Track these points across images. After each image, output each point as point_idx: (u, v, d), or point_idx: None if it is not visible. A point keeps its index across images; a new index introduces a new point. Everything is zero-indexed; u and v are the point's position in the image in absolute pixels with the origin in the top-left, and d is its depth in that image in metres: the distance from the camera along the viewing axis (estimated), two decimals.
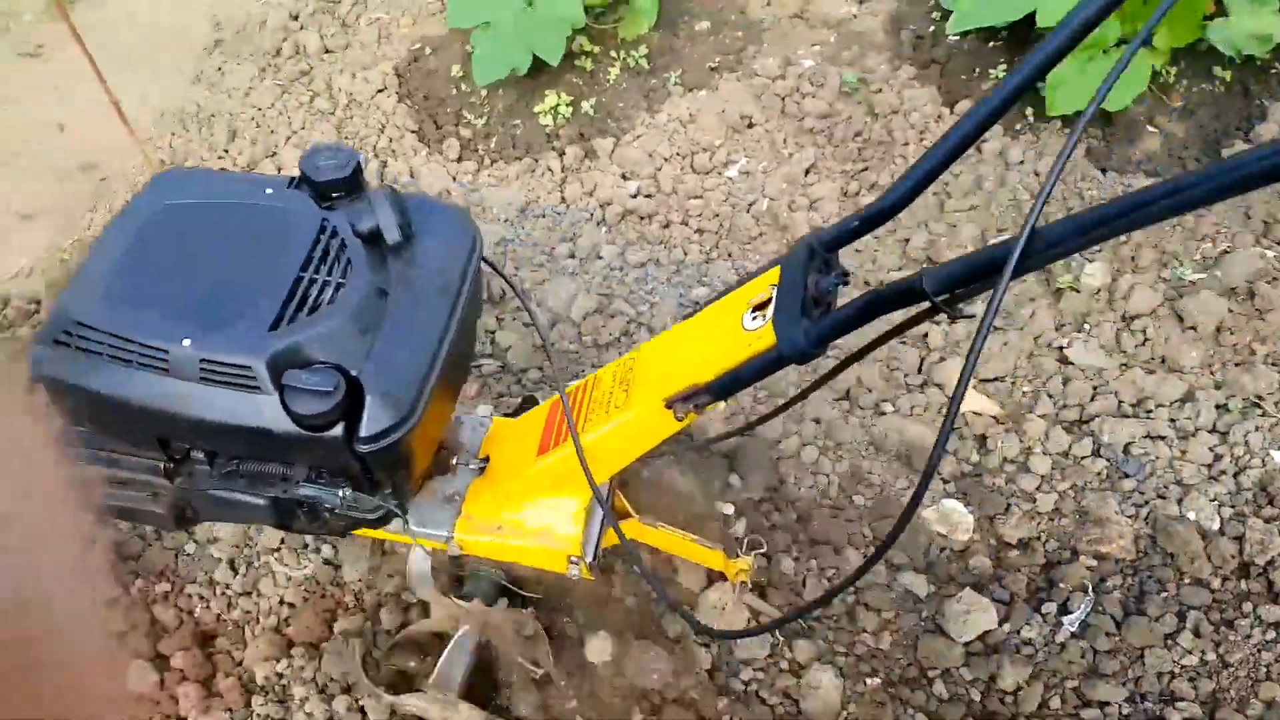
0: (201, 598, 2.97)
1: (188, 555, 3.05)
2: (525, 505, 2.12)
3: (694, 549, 2.40)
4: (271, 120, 4.07)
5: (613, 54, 3.95)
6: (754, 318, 1.64)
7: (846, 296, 1.50)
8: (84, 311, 1.63)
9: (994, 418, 2.89)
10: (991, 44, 3.71)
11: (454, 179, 3.78)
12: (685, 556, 2.47)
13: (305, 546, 2.97)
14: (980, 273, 1.32)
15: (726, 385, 1.70)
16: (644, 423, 1.85)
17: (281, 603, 2.91)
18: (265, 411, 1.60)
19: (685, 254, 3.38)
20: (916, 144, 3.46)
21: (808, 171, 3.50)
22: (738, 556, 2.46)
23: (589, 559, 2.12)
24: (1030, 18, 3.31)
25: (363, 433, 1.63)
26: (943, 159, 1.46)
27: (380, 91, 4.08)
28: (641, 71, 3.92)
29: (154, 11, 4.90)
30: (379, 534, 2.26)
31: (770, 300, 1.61)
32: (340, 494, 1.82)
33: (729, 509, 2.77)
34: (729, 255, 3.37)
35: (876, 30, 3.92)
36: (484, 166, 3.82)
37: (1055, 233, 1.23)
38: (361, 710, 2.59)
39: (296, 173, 1.85)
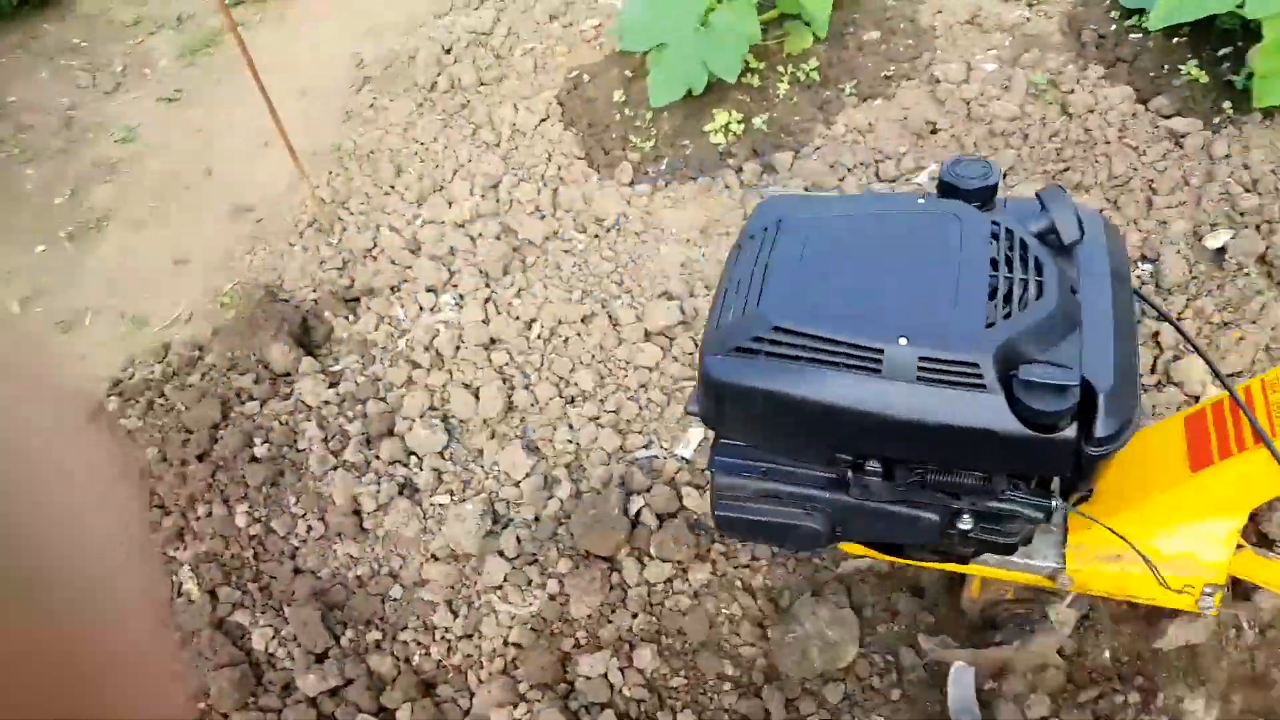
0: (419, 643, 2.86)
1: (394, 600, 2.95)
2: (1161, 530, 1.88)
3: None
4: (436, 154, 4.02)
5: (780, 69, 3.85)
6: None
7: None
8: (784, 316, 1.56)
9: None
10: (1175, 39, 3.56)
11: (628, 203, 3.69)
12: None
13: (530, 583, 2.86)
14: None
15: None
16: None
17: (506, 643, 2.79)
18: (989, 411, 1.50)
19: None
20: (1117, 142, 3.31)
21: (1005, 174, 3.37)
22: None
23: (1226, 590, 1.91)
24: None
25: (1099, 432, 1.50)
26: None
27: (544, 121, 4.01)
28: (812, 84, 3.81)
29: (293, 52, 4.89)
30: (980, 570, 2.05)
31: None
32: (1050, 504, 1.67)
33: None
34: None
35: (1053, 32, 3.79)
36: (658, 189, 3.73)
37: None
38: None
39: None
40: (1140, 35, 3.63)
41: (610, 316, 3.34)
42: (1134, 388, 1.56)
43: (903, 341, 1.50)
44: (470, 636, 2.83)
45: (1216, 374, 1.83)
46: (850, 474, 1.71)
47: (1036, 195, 1.69)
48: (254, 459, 3.29)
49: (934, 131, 3.56)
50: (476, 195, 3.82)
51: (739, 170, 3.65)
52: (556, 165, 3.87)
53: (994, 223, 1.64)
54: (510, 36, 4.43)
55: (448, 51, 4.44)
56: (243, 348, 3.58)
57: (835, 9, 3.84)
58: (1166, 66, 3.51)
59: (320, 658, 2.87)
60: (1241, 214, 3.04)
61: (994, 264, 1.58)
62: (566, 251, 3.59)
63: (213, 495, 3.22)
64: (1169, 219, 3.12)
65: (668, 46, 3.72)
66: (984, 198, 1.72)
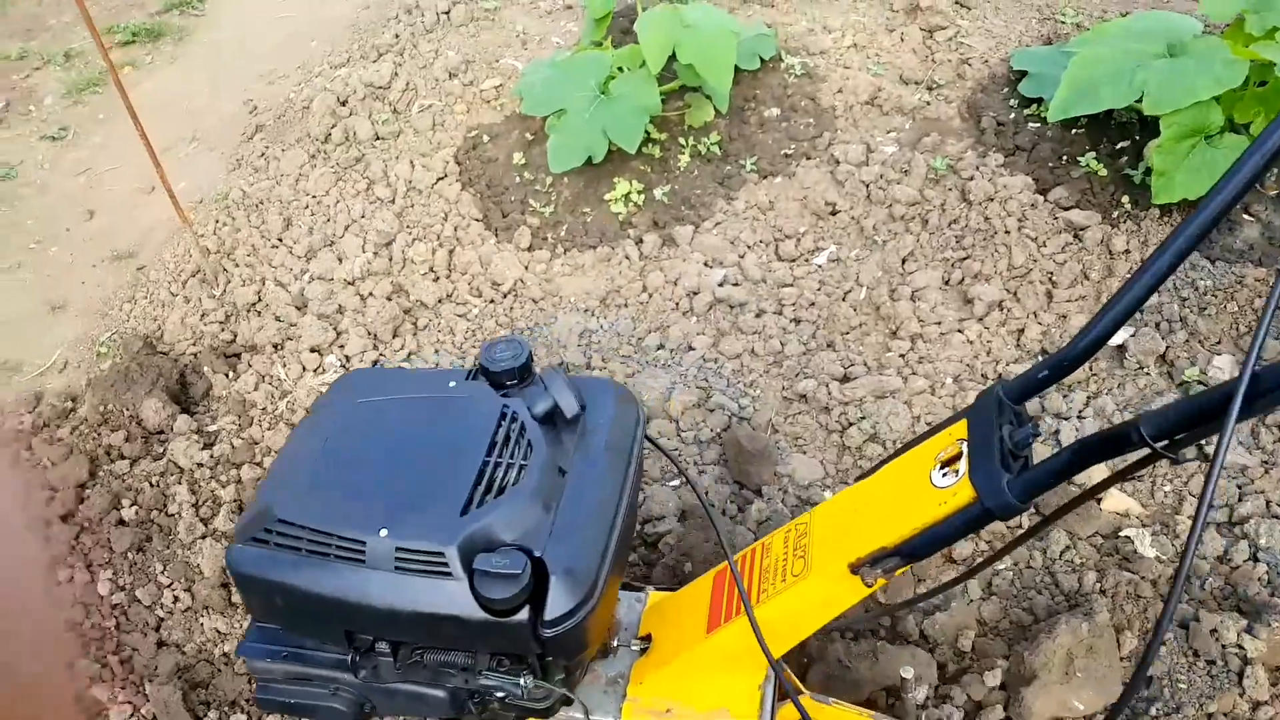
0: None
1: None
2: (695, 686, 1.96)
3: None
4: (328, 208, 3.83)
5: (681, 141, 3.79)
6: (944, 474, 1.55)
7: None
8: (285, 509, 1.64)
9: (1139, 519, 2.68)
10: (1074, 130, 3.59)
11: (526, 268, 3.56)
12: None
13: None
14: (1201, 418, 1.24)
15: (919, 546, 1.58)
16: (827, 590, 1.72)
17: None
18: (455, 597, 1.57)
19: (783, 345, 3.17)
20: (1016, 232, 3.30)
21: (904, 260, 3.32)
22: None
23: None
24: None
25: (548, 614, 1.58)
26: (1135, 300, 1.42)
27: (441, 179, 3.88)
28: (713, 158, 3.75)
29: (185, 94, 4.67)
30: None
31: (959, 455, 1.54)
32: (520, 682, 1.74)
33: (908, 672, 2.47)
34: (829, 345, 3.16)
35: (953, 117, 3.80)
36: (556, 255, 3.61)
37: (1275, 375, 1.15)
38: None
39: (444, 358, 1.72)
40: (1039, 124, 3.67)
41: None
42: (592, 569, 1.63)
43: (383, 533, 1.57)
44: None
45: (719, 536, 1.93)
46: (360, 657, 1.77)
47: (539, 376, 1.80)
48: (121, 522, 3.06)
49: (834, 213, 3.52)
50: (368, 252, 3.65)
51: (639, 241, 3.56)
52: (453, 226, 3.72)
53: (505, 406, 1.74)
54: (408, 91, 4.29)
55: (343, 103, 4.27)
56: (116, 402, 3.33)
57: (736, 84, 3.80)
58: (1065, 157, 3.54)
59: None
60: (1141, 312, 3.02)
61: (491, 447, 1.67)
62: (460, 315, 3.44)
63: (75, 559, 2.97)
64: (1068, 313, 3.13)
65: (567, 113, 3.63)
66: (517, 377, 1.80)
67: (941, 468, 1.56)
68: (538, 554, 1.57)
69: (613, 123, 3.55)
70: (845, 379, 3.06)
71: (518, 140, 3.95)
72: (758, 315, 3.25)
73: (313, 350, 3.37)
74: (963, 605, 2.59)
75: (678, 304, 3.34)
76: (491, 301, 3.49)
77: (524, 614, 1.57)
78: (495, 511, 1.59)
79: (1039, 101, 3.72)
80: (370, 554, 1.58)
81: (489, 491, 1.62)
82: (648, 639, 2.06)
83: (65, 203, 4.32)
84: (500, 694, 1.77)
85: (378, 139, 4.11)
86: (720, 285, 3.34)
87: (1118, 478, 1.43)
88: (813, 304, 3.26)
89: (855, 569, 1.63)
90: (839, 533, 1.72)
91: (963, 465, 1.51)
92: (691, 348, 3.20)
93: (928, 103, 3.85)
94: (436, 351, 3.33)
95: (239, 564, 1.67)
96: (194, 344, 3.53)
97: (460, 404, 1.78)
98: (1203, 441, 1.46)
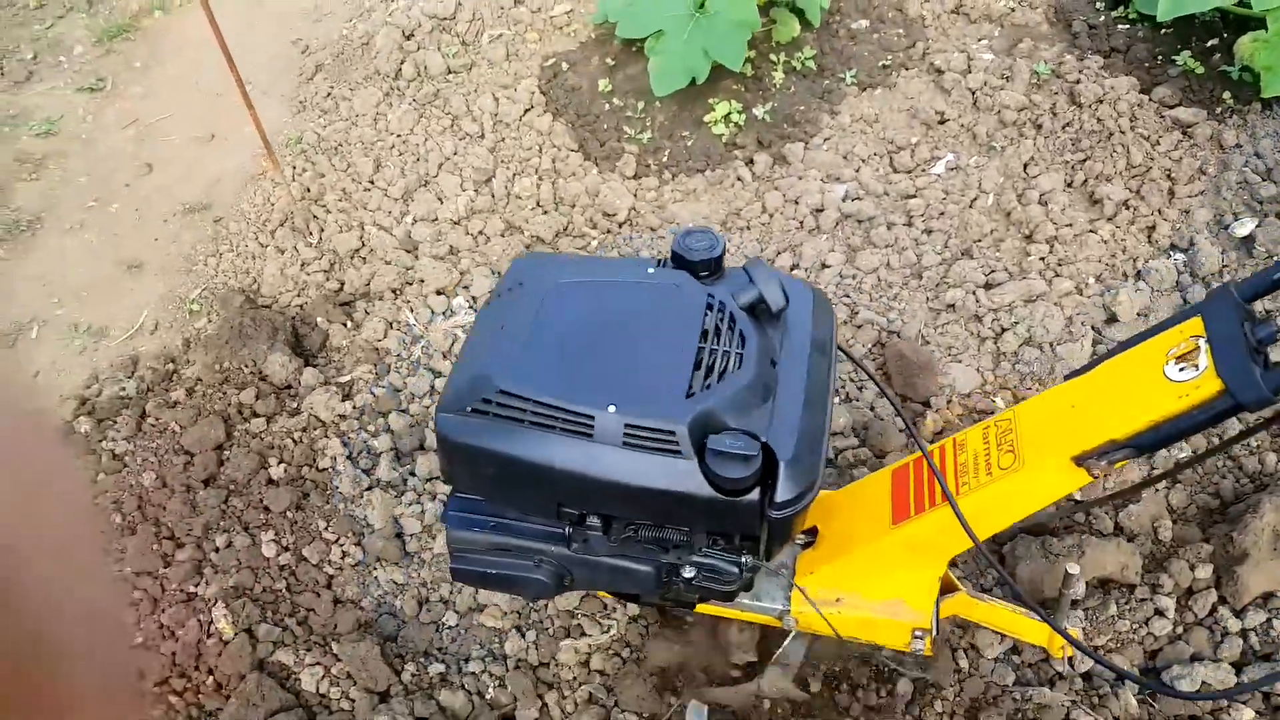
0: (491, 674, 2.55)
1: (451, 628, 2.63)
2: (871, 577, 1.98)
3: (1022, 623, 2.12)
4: (416, 147, 3.63)
5: (772, 58, 3.63)
6: (1181, 368, 1.54)
7: None
8: (505, 378, 1.61)
9: None
10: (1163, 31, 3.52)
11: (635, 196, 3.42)
12: (1012, 633, 2.19)
13: (606, 608, 2.58)
14: None
15: (1157, 439, 1.59)
16: (1043, 481, 1.72)
17: (590, 670, 2.52)
18: (686, 476, 1.55)
19: (918, 256, 3.09)
20: (1130, 131, 3.24)
21: (1025, 165, 3.24)
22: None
23: (934, 633, 1.99)
24: None
25: (778, 498, 1.57)
26: None
27: (528, 110, 3.69)
28: (809, 73, 3.61)
29: (226, 36, 4.37)
30: (716, 609, 2.09)
31: (1195, 350, 1.54)
32: (741, 560, 1.73)
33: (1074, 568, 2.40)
34: (966, 253, 3.09)
35: (1040, 22, 3.70)
36: (664, 181, 3.47)
37: None
38: None
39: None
40: (1128, 26, 3.57)
41: None
42: (816, 456, 1.63)
43: (611, 409, 1.56)
44: (547, 665, 2.54)
45: (912, 434, 1.93)
46: (571, 529, 1.75)
47: (743, 269, 1.74)
48: (271, 481, 2.90)
49: (943, 121, 3.42)
50: (469, 190, 3.47)
51: (749, 161, 3.43)
52: (550, 158, 3.55)
53: (710, 295, 1.70)
54: (475, 21, 4.06)
55: (409, 37, 4.03)
56: (233, 359, 3.15)
57: None
58: (1159, 57, 3.47)
59: (383, 697, 2.54)
60: (1260, 202, 3.00)
61: (704, 335, 1.64)
62: (580, 249, 3.29)
63: (230, 523, 2.82)
64: (1191, 208, 3.08)
65: (665, 34, 3.45)
66: (710, 269, 1.76)
67: (1178, 362, 1.55)
68: (763, 439, 1.55)
69: (713, 41, 3.39)
70: (988, 285, 3.00)
71: (599, 66, 3.77)
72: (889, 228, 3.16)
73: (439, 293, 3.21)
74: (1150, 495, 2.58)
75: (801, 222, 3.24)
76: (608, 232, 3.35)
77: (754, 495, 1.56)
78: (718, 395, 1.57)
79: (1124, 3, 3.63)
80: (599, 429, 1.56)
81: (708, 376, 1.59)
82: (812, 532, 2.06)
83: (117, 157, 4.04)
84: (710, 573, 1.75)
85: (450, 73, 3.89)
86: (843, 200, 3.24)
87: None
88: (942, 213, 3.17)
89: (1080, 461, 1.64)
90: (1058, 427, 1.71)
91: (1203, 360, 1.51)
92: (826, 265, 3.11)
93: (1012, 9, 3.74)
94: None
95: (453, 433, 1.64)
96: (298, 295, 3.34)
97: (665, 290, 1.73)
98: None
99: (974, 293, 2.96)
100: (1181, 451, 2.64)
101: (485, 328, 1.76)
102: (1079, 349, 2.83)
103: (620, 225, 3.35)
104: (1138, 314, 2.89)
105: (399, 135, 3.69)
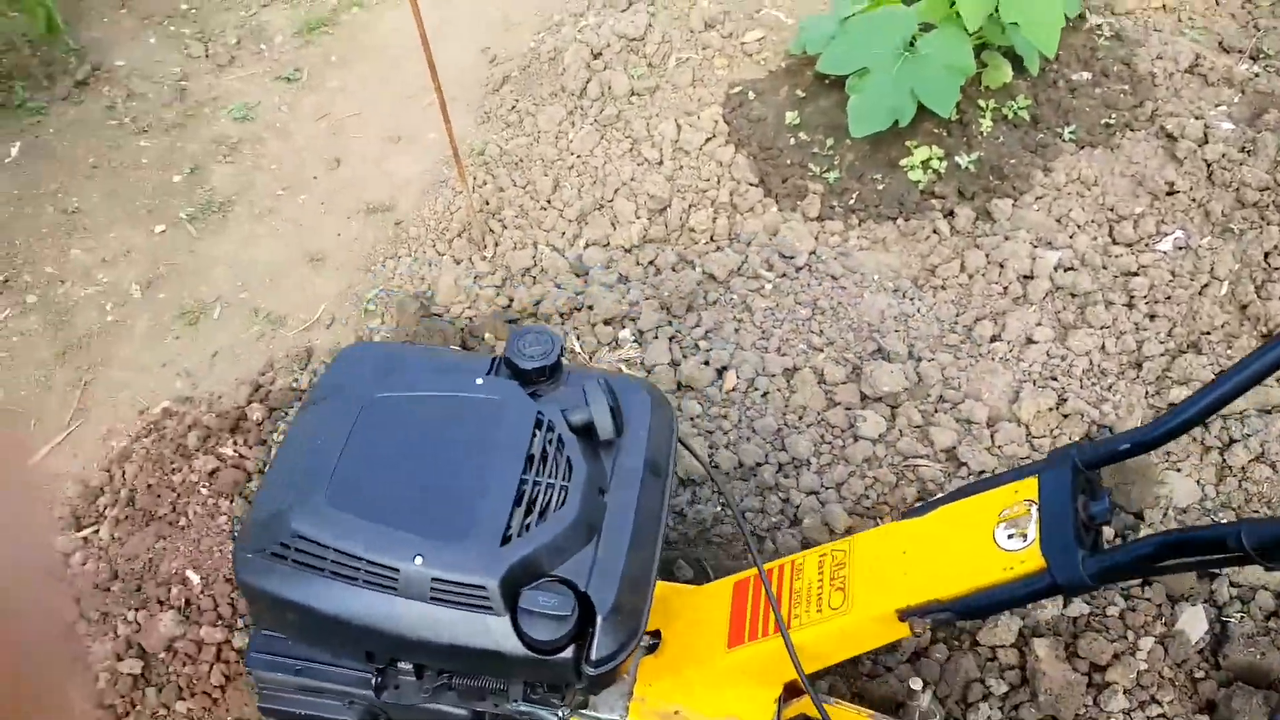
0: None
1: None
2: (709, 692, 1.78)
3: None
4: (595, 169, 3.29)
5: (980, 104, 3.15)
6: (1009, 535, 1.37)
7: None
8: (303, 520, 1.42)
9: None
10: None
11: (816, 239, 3.00)
12: None
13: None
14: None
15: (977, 607, 1.41)
16: (867, 629, 1.56)
17: None
18: (496, 632, 1.39)
19: (1138, 344, 2.60)
20: None
21: (1267, 255, 2.69)
22: None
23: None
24: None
25: (593, 655, 1.41)
26: (1234, 389, 1.26)
27: (710, 139, 3.30)
28: (1021, 124, 3.13)
29: (416, 41, 4.11)
30: None
31: (1026, 517, 1.37)
32: (558, 714, 1.60)
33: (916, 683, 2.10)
34: (1193, 346, 2.58)
35: None
36: (850, 226, 3.04)
37: None
38: None
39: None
40: None
41: (815, 371, 2.65)
42: (639, 602, 1.47)
43: (419, 560, 1.38)
44: None
45: (749, 546, 1.74)
46: (381, 677, 1.59)
47: (582, 387, 1.56)
48: None
49: (1171, 193, 2.89)
50: (643, 218, 3.11)
51: (949, 214, 2.97)
52: (728, 190, 3.17)
53: (539, 414, 1.52)
54: (664, 44, 3.68)
55: (597, 55, 3.69)
56: None
57: None
58: None
59: None
60: None
61: (529, 462, 1.47)
62: (756, 291, 2.89)
63: None
64: None
65: (870, 72, 3.02)
66: (547, 375, 1.60)
67: (1006, 527, 1.39)
68: (582, 589, 1.41)
69: (922, 83, 2.95)
70: None
71: (788, 97, 3.36)
72: (1106, 307, 2.66)
73: (606, 323, 2.85)
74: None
75: (1006, 288, 2.77)
76: (783, 275, 2.94)
77: (568, 651, 1.41)
78: (537, 541, 1.41)
79: None
80: (403, 582, 1.39)
81: (528, 514, 1.43)
82: (656, 635, 1.85)
83: (309, 149, 3.82)
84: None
85: (634, 94, 3.54)
86: (1056, 269, 2.75)
87: (1195, 566, 1.28)
88: (1168, 297, 2.66)
89: (904, 616, 1.47)
90: (886, 572, 1.55)
91: (1032, 530, 1.35)
92: (1032, 340, 2.64)
93: (1256, 74, 3.18)
94: (737, 330, 2.80)
95: (250, 576, 1.46)
96: (469, 306, 3.04)
97: (491, 407, 1.55)
98: None
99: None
100: None
101: (293, 446, 1.57)
102: None
103: (798, 270, 2.93)
104: None
105: (579, 156, 3.35)
